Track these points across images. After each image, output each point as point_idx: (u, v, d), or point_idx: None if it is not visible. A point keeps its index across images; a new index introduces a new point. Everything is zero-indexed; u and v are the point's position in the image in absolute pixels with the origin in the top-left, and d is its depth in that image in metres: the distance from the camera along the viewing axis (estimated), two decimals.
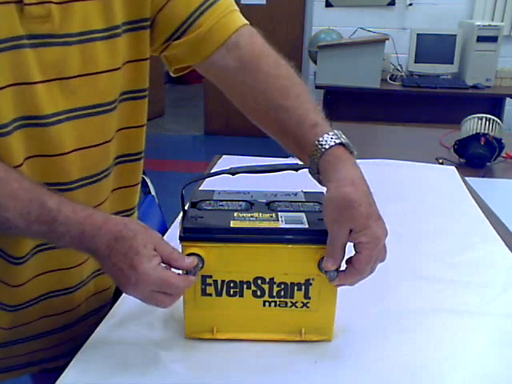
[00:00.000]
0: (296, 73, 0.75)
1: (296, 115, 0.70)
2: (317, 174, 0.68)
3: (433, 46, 3.65)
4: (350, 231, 0.63)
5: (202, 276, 0.68)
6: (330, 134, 0.66)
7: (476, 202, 1.25)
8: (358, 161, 0.67)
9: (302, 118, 0.70)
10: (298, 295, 0.69)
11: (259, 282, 0.69)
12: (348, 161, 0.66)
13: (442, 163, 1.65)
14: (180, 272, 0.65)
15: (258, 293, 0.69)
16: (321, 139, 0.66)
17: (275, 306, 0.70)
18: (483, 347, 0.75)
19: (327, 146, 0.65)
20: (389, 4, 4.00)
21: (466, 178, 1.44)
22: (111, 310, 0.78)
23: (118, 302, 0.80)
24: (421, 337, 0.75)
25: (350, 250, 0.64)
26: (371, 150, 1.61)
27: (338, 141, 0.66)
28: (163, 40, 0.74)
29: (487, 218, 1.16)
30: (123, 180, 0.80)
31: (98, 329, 0.74)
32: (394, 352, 0.72)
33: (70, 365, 0.67)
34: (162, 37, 0.74)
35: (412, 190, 1.32)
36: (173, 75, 0.81)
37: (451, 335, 0.76)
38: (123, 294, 0.81)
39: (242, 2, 4.28)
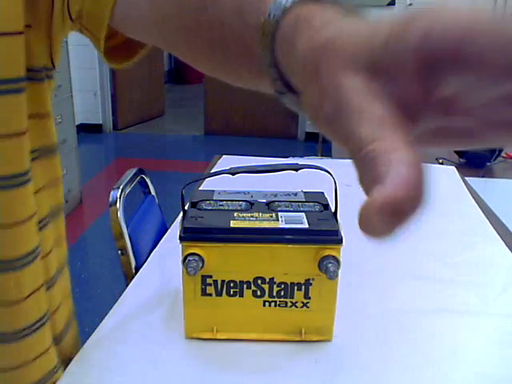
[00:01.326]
0: None
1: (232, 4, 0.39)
2: (275, 68, 0.34)
3: None
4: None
5: (202, 276, 0.68)
6: None
7: (476, 202, 1.25)
8: None
9: (240, 7, 0.38)
10: (298, 295, 0.69)
11: (259, 281, 0.69)
12: (317, 15, 0.31)
13: (442, 163, 1.65)
14: None
15: (258, 293, 0.69)
16: (270, 6, 0.34)
17: (275, 306, 0.70)
18: (483, 347, 0.75)
19: (282, 8, 0.33)
20: (389, 4, 4.00)
21: (466, 178, 1.44)
22: (111, 310, 0.78)
23: (118, 302, 0.80)
24: (421, 337, 0.75)
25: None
26: None
27: None
28: None
29: (487, 218, 1.16)
30: None
31: (98, 329, 0.74)
32: (393, 352, 0.72)
33: (70, 365, 0.67)
34: None
35: None
36: (110, 64, 0.58)
37: (451, 335, 0.76)
38: (123, 294, 0.82)
39: None
